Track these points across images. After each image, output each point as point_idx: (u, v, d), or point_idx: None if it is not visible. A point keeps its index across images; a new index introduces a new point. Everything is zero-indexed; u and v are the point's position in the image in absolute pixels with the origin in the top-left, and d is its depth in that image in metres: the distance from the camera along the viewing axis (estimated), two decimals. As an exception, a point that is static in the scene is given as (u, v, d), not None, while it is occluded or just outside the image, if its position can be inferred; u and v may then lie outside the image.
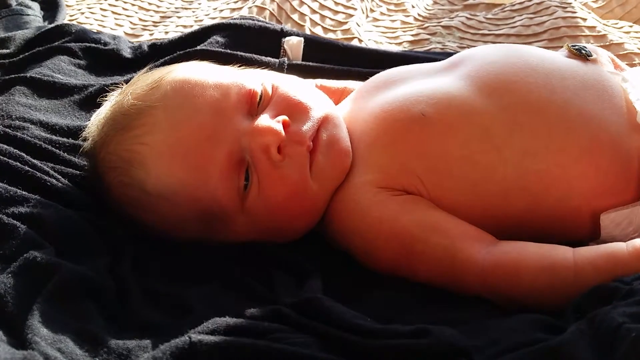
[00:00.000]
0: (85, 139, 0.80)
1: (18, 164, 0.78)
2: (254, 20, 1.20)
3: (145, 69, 0.83)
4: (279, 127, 0.72)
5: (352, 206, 0.74)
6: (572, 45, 0.81)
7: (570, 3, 1.35)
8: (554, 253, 0.67)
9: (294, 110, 0.75)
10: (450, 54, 1.17)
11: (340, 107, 0.83)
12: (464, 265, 0.69)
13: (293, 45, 1.10)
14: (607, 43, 1.22)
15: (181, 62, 0.85)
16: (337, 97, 0.88)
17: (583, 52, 0.80)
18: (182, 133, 0.72)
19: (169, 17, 1.44)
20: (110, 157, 0.75)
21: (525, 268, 0.67)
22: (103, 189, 0.77)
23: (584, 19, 1.29)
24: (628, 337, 0.53)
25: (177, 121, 0.72)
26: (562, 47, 0.84)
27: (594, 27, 1.26)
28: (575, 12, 1.31)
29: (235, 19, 1.24)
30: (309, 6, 1.38)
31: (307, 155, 0.73)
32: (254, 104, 0.75)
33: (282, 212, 0.73)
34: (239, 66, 0.84)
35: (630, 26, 1.32)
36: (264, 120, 0.73)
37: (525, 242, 0.70)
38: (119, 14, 1.43)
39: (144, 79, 0.78)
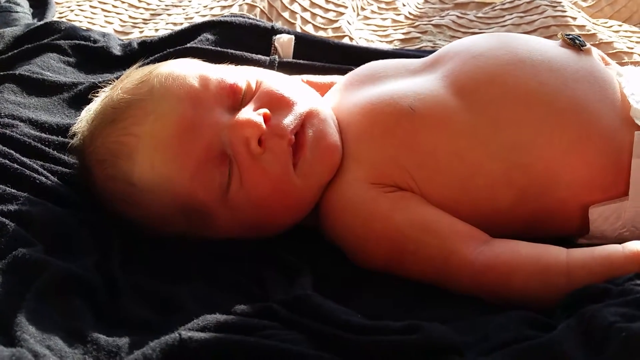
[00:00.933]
0: (74, 135, 0.80)
1: (7, 161, 0.77)
2: (244, 17, 1.20)
3: (136, 65, 0.83)
4: (260, 120, 0.71)
5: (343, 203, 0.74)
6: (567, 35, 0.80)
7: (560, 2, 1.35)
8: (546, 256, 0.67)
9: (277, 104, 0.74)
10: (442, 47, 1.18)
11: (325, 102, 0.82)
12: (456, 265, 0.69)
13: (284, 43, 1.10)
14: (597, 42, 1.22)
15: (171, 59, 0.84)
16: (324, 92, 0.88)
17: (577, 41, 0.79)
18: (164, 124, 0.72)
19: (159, 15, 1.44)
20: (99, 150, 0.75)
21: (518, 271, 0.67)
22: (90, 183, 0.77)
23: (574, 18, 1.29)
24: (619, 337, 0.53)
25: (161, 113, 0.72)
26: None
27: (584, 26, 1.27)
28: (565, 11, 1.31)
29: (225, 16, 1.23)
30: (299, 4, 1.38)
31: (288, 149, 0.73)
32: (237, 99, 0.75)
33: (265, 207, 0.73)
34: (229, 64, 0.84)
35: (620, 25, 1.33)
36: (245, 113, 0.73)
37: (518, 241, 0.70)
38: (109, 12, 1.42)
39: (134, 74, 0.79)
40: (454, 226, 0.71)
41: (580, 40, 0.79)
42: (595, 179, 0.72)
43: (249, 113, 0.72)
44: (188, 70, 0.76)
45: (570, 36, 0.80)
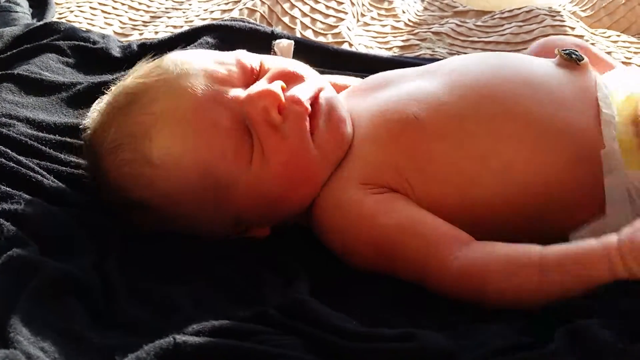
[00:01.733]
0: (85, 129, 0.80)
1: (3, 160, 0.77)
2: (244, 22, 1.20)
3: (144, 59, 0.84)
4: (277, 89, 0.73)
5: (334, 202, 0.75)
6: (563, 50, 0.80)
7: (559, 12, 1.36)
8: (520, 255, 0.67)
9: (290, 78, 0.76)
10: (439, 60, 1.18)
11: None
12: (435, 269, 0.69)
13: (283, 47, 1.10)
14: (595, 52, 1.22)
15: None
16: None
17: (574, 56, 0.79)
18: (185, 100, 0.73)
19: (159, 17, 1.44)
20: (113, 137, 0.75)
21: (491, 274, 0.67)
22: (98, 175, 0.76)
23: (572, 28, 1.30)
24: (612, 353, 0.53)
25: (181, 89, 0.73)
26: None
27: (582, 36, 1.27)
28: (563, 21, 1.32)
29: (225, 20, 1.24)
30: (300, 9, 1.38)
31: (306, 117, 0.74)
32: (252, 77, 0.77)
33: (285, 178, 0.73)
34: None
35: (618, 35, 1.33)
36: (261, 84, 0.75)
37: (495, 243, 0.69)
38: (109, 13, 1.42)
39: (145, 65, 0.80)
40: (437, 228, 0.71)
41: (577, 55, 0.80)
42: (588, 198, 0.73)
43: (265, 84, 0.74)
44: (202, 53, 0.80)
45: (567, 51, 0.80)
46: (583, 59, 0.80)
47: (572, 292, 0.64)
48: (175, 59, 0.78)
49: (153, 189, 0.73)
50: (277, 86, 0.73)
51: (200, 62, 0.76)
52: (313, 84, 0.77)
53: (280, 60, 0.80)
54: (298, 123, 0.73)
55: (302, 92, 0.75)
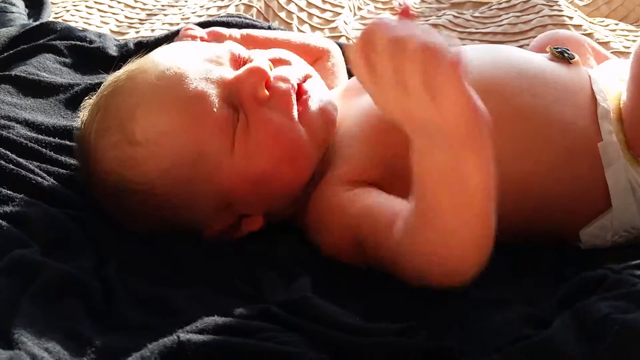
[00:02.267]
0: (77, 128, 0.80)
1: (3, 162, 0.77)
2: (241, 17, 1.20)
3: (137, 56, 0.84)
4: (265, 66, 0.75)
5: (318, 200, 0.75)
6: (555, 48, 0.81)
7: (557, 1, 1.36)
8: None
9: (279, 62, 0.79)
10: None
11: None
12: (385, 243, 0.66)
13: (280, 43, 1.10)
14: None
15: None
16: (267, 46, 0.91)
17: (565, 55, 0.80)
18: (173, 77, 0.73)
19: (156, 15, 1.44)
20: (100, 123, 0.75)
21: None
22: (91, 166, 0.76)
23: (570, 17, 1.29)
24: (613, 328, 0.53)
25: (167, 69, 0.74)
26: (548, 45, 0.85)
27: (580, 25, 1.27)
28: (561, 11, 1.31)
29: (222, 16, 1.23)
30: (296, 4, 1.37)
31: (292, 94, 0.75)
32: (241, 62, 0.78)
33: (270, 153, 0.73)
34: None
35: (616, 24, 1.33)
36: (250, 63, 0.76)
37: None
38: (105, 12, 1.42)
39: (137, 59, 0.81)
40: (397, 207, 0.68)
41: (568, 53, 0.80)
42: (584, 191, 0.73)
43: (254, 62, 0.76)
44: (192, 43, 0.82)
45: (559, 49, 0.81)
46: (574, 57, 0.80)
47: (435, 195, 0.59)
48: (163, 49, 0.80)
49: (140, 169, 0.73)
50: (265, 63, 0.76)
51: (190, 48, 0.79)
52: (300, 68, 0.79)
53: (269, 50, 0.82)
54: (284, 99, 0.74)
55: (289, 72, 0.77)
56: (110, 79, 0.79)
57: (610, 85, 0.79)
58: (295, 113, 0.74)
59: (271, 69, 0.76)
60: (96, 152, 0.75)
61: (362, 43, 0.55)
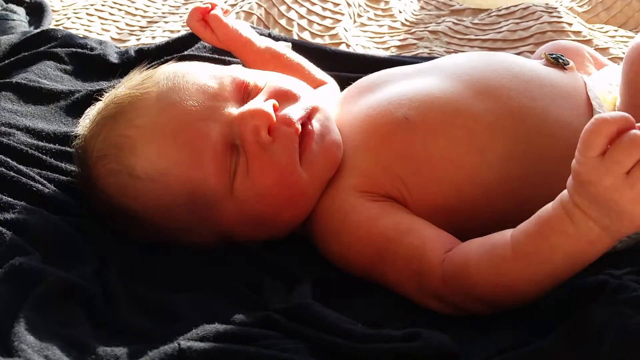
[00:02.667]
0: (76, 137, 0.80)
1: (3, 169, 0.77)
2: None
3: (138, 68, 0.83)
4: (269, 109, 0.72)
5: (332, 210, 0.74)
6: (550, 54, 0.82)
7: (556, 8, 1.36)
8: (492, 237, 0.66)
9: (283, 97, 0.75)
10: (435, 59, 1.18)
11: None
12: (429, 267, 0.68)
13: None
14: (593, 48, 1.22)
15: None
16: (263, 57, 0.91)
17: (560, 61, 0.81)
18: (174, 114, 0.72)
19: (156, 22, 1.44)
20: (100, 146, 0.74)
21: (469, 260, 0.65)
22: (90, 183, 0.76)
23: (570, 24, 1.30)
24: (612, 334, 0.53)
25: (170, 104, 0.73)
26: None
27: (580, 31, 1.27)
28: (561, 17, 1.32)
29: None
30: (296, 11, 1.38)
31: (296, 139, 0.73)
32: (246, 94, 0.76)
33: (269, 198, 0.73)
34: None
35: (616, 30, 1.33)
36: (254, 103, 0.74)
37: (474, 239, 0.68)
38: (106, 19, 1.42)
39: (138, 74, 0.80)
40: (435, 232, 0.70)
41: (563, 59, 0.81)
42: None
43: (259, 103, 0.73)
44: (196, 67, 0.78)
45: (554, 55, 0.82)
46: (569, 63, 0.81)
47: (550, 259, 0.61)
48: (168, 71, 0.76)
49: (139, 201, 0.73)
50: (269, 106, 0.72)
51: (193, 77, 0.75)
52: (306, 103, 0.76)
53: (275, 78, 0.79)
54: (287, 144, 0.72)
55: (294, 113, 0.74)
56: (110, 97, 0.77)
57: (606, 91, 0.80)
58: (296, 159, 0.72)
59: (276, 108, 0.73)
60: (97, 174, 0.75)
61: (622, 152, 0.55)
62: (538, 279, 0.62)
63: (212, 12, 0.93)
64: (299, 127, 0.73)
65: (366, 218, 0.72)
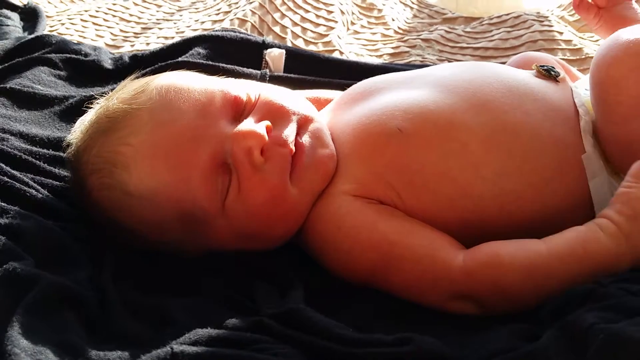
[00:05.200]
0: (68, 145, 0.80)
1: (-3, 174, 0.77)
2: (235, 32, 1.21)
3: (130, 77, 0.83)
4: (262, 131, 0.72)
5: (327, 216, 0.74)
6: (541, 66, 0.82)
7: (547, 17, 1.37)
8: (524, 240, 0.69)
9: (277, 115, 0.75)
10: (429, 67, 1.19)
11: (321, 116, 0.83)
12: (445, 263, 0.68)
13: (275, 57, 1.11)
14: (583, 56, 1.24)
15: (164, 72, 0.85)
16: (323, 106, 0.89)
17: (552, 73, 0.81)
18: (166, 134, 0.72)
19: (150, 29, 1.44)
20: (94, 160, 0.75)
21: (502, 250, 0.68)
22: (84, 193, 0.76)
23: (561, 33, 1.31)
24: (598, 338, 0.54)
25: (162, 122, 0.73)
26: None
27: (570, 40, 1.29)
28: (552, 26, 1.33)
29: (216, 30, 1.24)
30: (290, 19, 1.39)
31: (289, 159, 0.73)
32: (239, 110, 0.76)
33: (261, 216, 0.73)
34: (221, 77, 0.84)
35: (606, 40, 1.34)
36: (247, 124, 0.74)
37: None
38: (100, 25, 1.42)
39: (130, 85, 0.79)
40: (437, 232, 0.72)
41: (555, 72, 0.81)
42: (576, 203, 0.74)
43: (252, 124, 0.74)
44: (189, 81, 0.77)
45: (545, 67, 0.82)
46: (560, 74, 0.82)
47: (581, 262, 0.67)
48: (161, 85, 0.76)
49: (131, 216, 0.74)
50: (262, 127, 0.72)
51: (185, 93, 0.75)
52: (299, 119, 0.76)
53: (267, 92, 0.78)
54: (279, 165, 0.72)
55: (287, 133, 0.74)
56: (103, 110, 0.77)
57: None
58: (287, 179, 0.73)
59: (269, 129, 0.73)
60: (91, 187, 0.75)
61: None
62: (568, 278, 0.66)
63: None
64: (293, 148, 0.74)
65: (364, 222, 0.72)
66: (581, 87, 0.82)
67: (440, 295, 0.69)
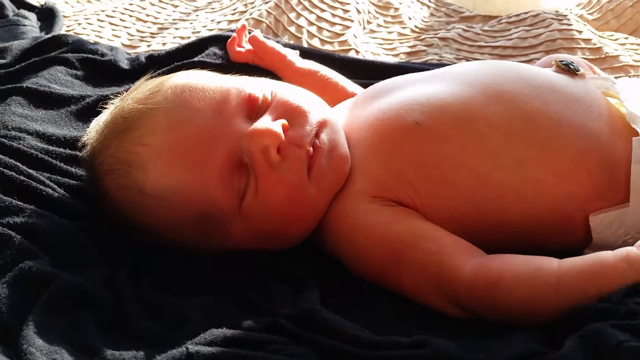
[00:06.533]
0: (84, 145, 0.80)
1: (13, 173, 0.77)
2: (251, 32, 1.21)
3: (145, 77, 0.84)
4: (279, 129, 0.72)
5: (344, 214, 0.74)
6: (560, 61, 0.82)
7: (566, 15, 1.36)
8: (536, 260, 0.67)
9: (293, 114, 0.75)
10: (446, 66, 1.18)
11: (336, 115, 0.83)
12: (451, 272, 0.68)
13: (289, 57, 1.10)
14: (603, 55, 1.22)
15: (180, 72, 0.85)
16: (299, 73, 0.95)
17: (571, 67, 0.81)
18: (182, 134, 0.72)
19: (167, 29, 1.45)
20: (110, 160, 0.75)
21: (507, 274, 0.66)
22: (100, 193, 0.76)
23: (580, 32, 1.29)
24: (627, 358, 0.53)
25: (178, 122, 0.73)
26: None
27: (590, 39, 1.27)
28: (571, 25, 1.32)
29: (232, 31, 1.24)
30: (306, 18, 1.38)
31: (305, 158, 0.73)
32: (254, 108, 0.76)
33: (278, 215, 0.73)
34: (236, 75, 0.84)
35: (626, 38, 1.33)
36: (264, 122, 0.73)
37: (512, 254, 0.69)
38: (117, 25, 1.43)
39: (145, 85, 0.79)
40: (452, 238, 0.71)
41: (574, 66, 0.82)
42: (598, 190, 0.74)
43: (268, 122, 0.73)
44: (204, 80, 0.77)
45: (564, 62, 0.82)
46: (579, 69, 0.82)
47: (588, 295, 0.63)
48: (175, 85, 0.76)
49: (148, 216, 0.74)
50: (278, 126, 0.72)
51: (201, 92, 0.75)
52: (315, 119, 0.76)
53: (283, 91, 0.78)
54: (296, 164, 0.72)
55: (304, 132, 0.74)
56: (118, 110, 0.77)
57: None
58: (305, 178, 0.73)
59: (286, 128, 0.73)
60: (107, 187, 0.75)
61: None
62: (562, 307, 0.63)
63: (252, 33, 1.04)
64: (310, 148, 0.74)
65: (379, 222, 0.72)
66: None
67: (442, 301, 0.69)
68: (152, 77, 0.83)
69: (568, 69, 0.81)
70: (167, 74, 0.91)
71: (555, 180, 0.73)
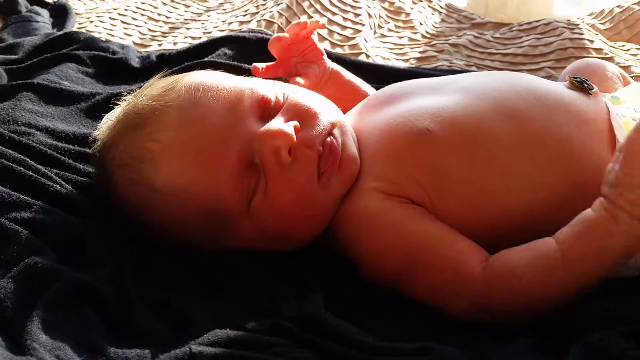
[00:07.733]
0: (94, 140, 0.80)
1: (22, 169, 0.78)
2: (262, 33, 1.21)
3: (158, 75, 0.84)
4: (291, 130, 0.72)
5: (358, 213, 0.74)
6: (575, 78, 0.81)
7: (578, 25, 1.35)
8: (537, 244, 0.68)
9: (304, 116, 0.76)
10: (456, 72, 1.18)
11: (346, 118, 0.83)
12: (466, 275, 0.68)
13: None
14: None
15: (191, 72, 0.85)
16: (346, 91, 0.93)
17: (585, 85, 0.80)
18: (194, 131, 0.73)
19: (178, 29, 1.45)
20: (121, 155, 0.75)
21: (518, 262, 0.67)
22: (109, 189, 0.77)
23: (591, 41, 1.29)
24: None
25: (191, 120, 0.73)
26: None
27: (601, 49, 1.27)
28: (582, 34, 1.31)
29: (243, 32, 1.24)
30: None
31: (316, 159, 0.73)
32: (267, 109, 0.76)
33: (287, 216, 0.73)
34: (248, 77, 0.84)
35: (638, 48, 1.32)
36: (275, 123, 0.74)
37: (512, 248, 0.70)
38: (128, 24, 1.43)
39: (159, 82, 0.80)
40: (466, 242, 0.71)
41: (588, 84, 0.80)
42: None
43: (280, 123, 0.74)
44: (218, 80, 0.77)
45: (579, 79, 0.81)
46: (593, 87, 0.80)
47: (594, 269, 0.65)
48: (190, 83, 0.76)
49: (157, 212, 0.74)
50: (290, 127, 0.73)
51: (214, 91, 0.75)
52: (326, 121, 0.76)
53: (295, 93, 0.78)
54: (307, 166, 0.73)
55: (315, 134, 0.74)
56: (131, 106, 0.77)
57: (630, 117, 0.78)
58: (315, 179, 0.73)
59: (297, 129, 0.73)
60: (116, 182, 0.75)
61: None
62: (585, 282, 0.65)
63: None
64: (321, 148, 0.74)
65: (393, 223, 0.72)
66: (623, 107, 0.80)
67: (460, 305, 0.69)
68: (165, 76, 0.83)
69: (582, 87, 0.80)
70: (179, 73, 0.91)
71: (564, 203, 0.72)
